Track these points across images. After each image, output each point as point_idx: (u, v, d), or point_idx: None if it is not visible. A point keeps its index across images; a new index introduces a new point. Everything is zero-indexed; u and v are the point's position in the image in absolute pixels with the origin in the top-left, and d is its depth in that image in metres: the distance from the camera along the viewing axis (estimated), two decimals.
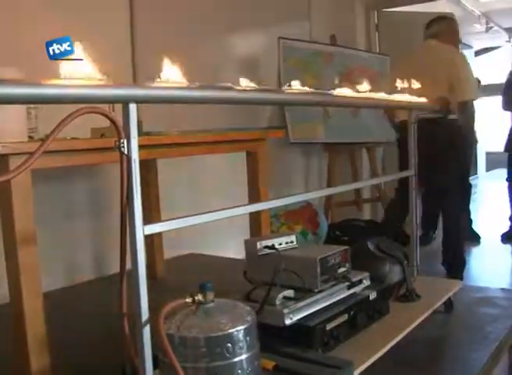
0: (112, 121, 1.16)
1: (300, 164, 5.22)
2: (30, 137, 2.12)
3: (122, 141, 1.18)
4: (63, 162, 1.97)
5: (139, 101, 1.20)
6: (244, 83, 1.36)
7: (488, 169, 11.37)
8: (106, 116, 1.14)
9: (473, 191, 5.27)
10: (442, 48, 3.86)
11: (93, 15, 3.13)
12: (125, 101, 1.16)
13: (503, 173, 11.27)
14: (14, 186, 1.74)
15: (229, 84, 1.33)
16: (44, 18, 2.89)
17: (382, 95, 2.15)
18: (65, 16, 2.95)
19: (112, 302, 1.33)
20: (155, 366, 1.28)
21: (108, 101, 1.13)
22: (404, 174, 2.51)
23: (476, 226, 5.16)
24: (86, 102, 1.07)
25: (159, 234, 3.14)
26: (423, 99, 2.35)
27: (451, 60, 3.76)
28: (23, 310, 1.79)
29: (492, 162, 11.13)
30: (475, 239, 5.01)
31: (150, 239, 3.12)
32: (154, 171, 3.12)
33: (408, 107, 2.44)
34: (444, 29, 3.96)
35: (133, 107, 1.17)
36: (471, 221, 5.13)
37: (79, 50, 1.05)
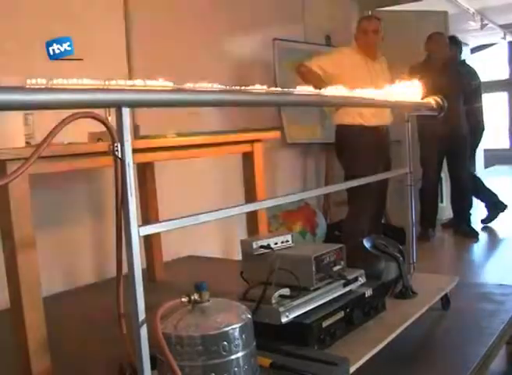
0: (106, 125, 1.18)
1: (298, 165, 5.24)
2: (28, 143, 2.14)
3: (115, 145, 1.20)
4: (61, 167, 1.99)
5: (132, 105, 1.22)
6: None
7: (486, 166, 11.39)
8: (99, 120, 1.16)
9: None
10: None
11: (88, 16, 3.17)
12: (117, 106, 1.18)
13: (501, 169, 11.33)
14: (12, 191, 1.77)
15: (222, 86, 1.35)
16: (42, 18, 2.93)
17: (376, 94, 2.17)
18: (62, 17, 2.99)
19: (112, 305, 1.35)
20: (154, 366, 1.31)
21: (101, 106, 1.15)
22: (400, 172, 2.53)
23: (474, 224, 5.17)
24: (78, 107, 1.09)
25: (158, 237, 3.17)
26: (418, 98, 2.37)
27: None
28: (24, 315, 1.82)
29: (491, 159, 11.16)
30: (474, 236, 5.02)
31: (149, 242, 3.14)
32: (151, 174, 3.14)
33: (403, 106, 2.46)
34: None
35: (125, 111, 1.19)
36: (469, 219, 5.14)
37: None
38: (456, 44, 5.35)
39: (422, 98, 2.42)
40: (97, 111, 1.17)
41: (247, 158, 2.82)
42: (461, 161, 5.09)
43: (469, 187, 5.14)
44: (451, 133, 4.82)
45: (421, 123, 4.63)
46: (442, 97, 2.53)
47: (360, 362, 1.64)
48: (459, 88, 4.92)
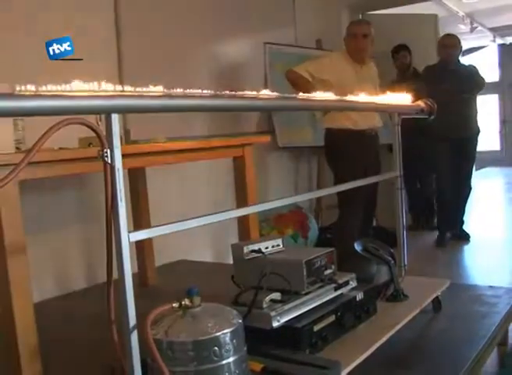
0: (95, 131, 1.18)
1: (290, 169, 5.23)
2: (18, 149, 2.13)
3: (105, 150, 1.20)
4: (52, 172, 1.99)
5: (121, 111, 1.22)
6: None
7: (477, 168, 11.44)
8: (88, 126, 1.16)
9: None
10: None
11: (78, 17, 3.16)
12: (107, 112, 1.18)
13: (492, 171, 11.36)
14: (2, 197, 1.76)
15: (212, 92, 1.35)
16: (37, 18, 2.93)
17: (366, 98, 2.18)
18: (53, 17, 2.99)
19: (103, 310, 1.35)
20: (145, 371, 1.30)
21: (90, 113, 1.15)
22: (390, 175, 2.54)
23: (466, 226, 5.18)
24: (68, 114, 1.09)
25: (150, 242, 3.16)
26: (407, 101, 2.39)
27: None
28: (14, 321, 1.81)
29: (482, 161, 11.20)
30: (465, 238, 5.03)
31: (141, 247, 3.13)
32: (142, 178, 3.14)
33: (392, 110, 2.47)
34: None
35: (115, 117, 1.19)
36: (462, 222, 5.13)
37: None
38: (409, 52, 5.36)
39: (413, 101, 2.44)
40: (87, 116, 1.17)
41: (238, 162, 2.82)
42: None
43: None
44: (463, 135, 4.82)
45: (433, 125, 4.61)
46: (432, 100, 2.54)
47: (352, 366, 1.65)
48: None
